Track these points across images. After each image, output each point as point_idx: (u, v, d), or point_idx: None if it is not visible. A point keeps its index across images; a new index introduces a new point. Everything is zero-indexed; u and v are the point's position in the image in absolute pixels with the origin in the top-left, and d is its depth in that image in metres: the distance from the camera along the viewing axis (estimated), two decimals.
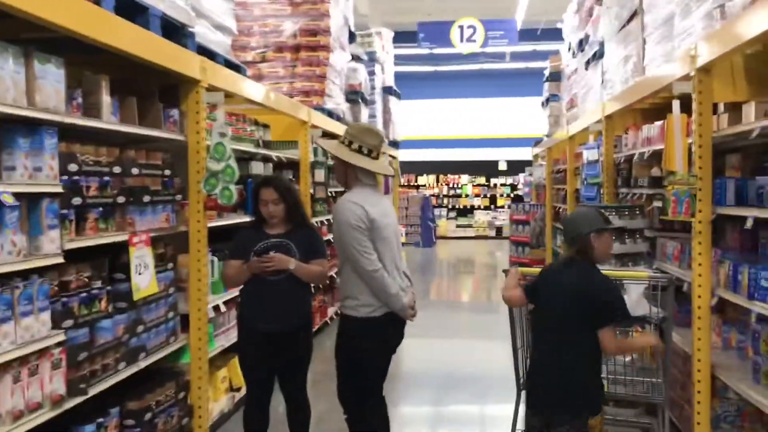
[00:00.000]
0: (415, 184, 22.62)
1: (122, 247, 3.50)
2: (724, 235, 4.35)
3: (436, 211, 21.32)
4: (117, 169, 3.44)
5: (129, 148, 3.65)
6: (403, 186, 21.49)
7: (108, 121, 3.38)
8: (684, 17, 4.47)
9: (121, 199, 3.45)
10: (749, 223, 3.37)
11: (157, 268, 3.86)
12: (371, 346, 3.51)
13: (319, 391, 4.99)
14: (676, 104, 4.04)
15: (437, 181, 22.80)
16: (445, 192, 22.64)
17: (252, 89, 5.22)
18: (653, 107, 5.94)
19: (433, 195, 21.89)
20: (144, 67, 3.67)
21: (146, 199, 3.65)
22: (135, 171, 3.61)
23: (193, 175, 4.21)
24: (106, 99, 3.37)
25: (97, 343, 3.25)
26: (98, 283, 3.32)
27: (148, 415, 3.73)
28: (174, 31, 4.02)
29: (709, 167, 3.86)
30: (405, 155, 18.13)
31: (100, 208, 3.31)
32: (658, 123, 5.15)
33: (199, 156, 4.21)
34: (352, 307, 3.51)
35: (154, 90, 3.94)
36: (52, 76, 2.89)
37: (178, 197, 4.05)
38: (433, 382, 6.30)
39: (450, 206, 22.38)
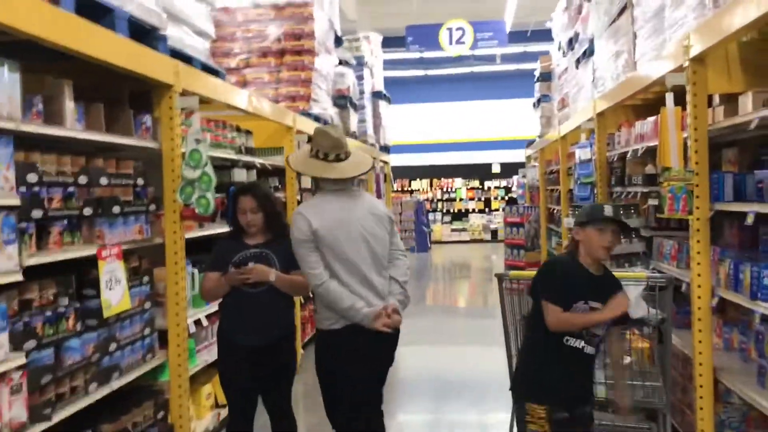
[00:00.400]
0: (409, 189, 22.45)
1: (92, 262, 3.32)
2: (723, 232, 4.19)
3: (431, 216, 21.16)
4: (83, 179, 3.27)
5: (97, 156, 3.48)
6: (397, 191, 21.33)
7: (72, 128, 3.19)
8: (675, 8, 4.32)
9: (88, 211, 3.27)
10: (750, 219, 3.21)
11: (131, 282, 3.68)
12: (339, 358, 3.32)
13: (309, 403, 4.83)
14: (669, 97, 3.88)
15: (431, 185, 22.64)
16: (438, 196, 22.48)
17: (231, 94, 5.05)
18: (646, 103, 5.80)
19: (426, 199, 21.72)
20: (113, 72, 3.49)
21: (116, 210, 3.47)
22: (104, 181, 3.43)
23: (169, 184, 4.04)
24: (69, 105, 3.19)
25: (64, 364, 3.07)
26: (65, 301, 3.14)
27: None
28: (144, 34, 3.85)
29: (706, 162, 3.71)
30: (397, 160, 17.98)
31: (65, 221, 3.13)
32: (651, 119, 5.00)
33: (174, 164, 4.03)
34: (318, 319, 3.40)
35: (124, 95, 3.77)
36: (5, 81, 2.72)
37: (152, 207, 3.87)
38: (430, 390, 6.18)
39: (444, 210, 22.23)
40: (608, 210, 3.10)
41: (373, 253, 3.35)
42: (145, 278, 3.86)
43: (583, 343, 3.07)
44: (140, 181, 3.80)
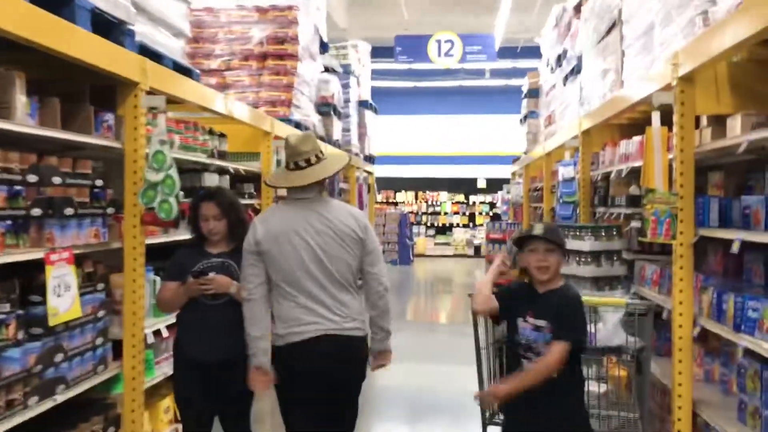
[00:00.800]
0: (394, 200, 22.30)
1: (40, 266, 3.11)
2: (706, 259, 4.05)
3: (414, 229, 21.00)
4: (32, 178, 3.06)
5: (51, 154, 3.28)
6: (381, 203, 21.16)
7: (22, 123, 3.00)
8: (665, 26, 4.20)
9: (36, 212, 3.06)
10: (736, 247, 3.06)
11: (84, 288, 3.47)
12: (282, 377, 3.17)
13: (277, 422, 4.64)
14: (656, 116, 3.74)
15: (416, 198, 22.51)
16: (423, 209, 22.34)
17: (204, 95, 4.86)
18: (632, 122, 5.68)
19: (411, 212, 21.58)
20: (73, 66, 3.30)
21: (69, 211, 3.26)
22: (56, 180, 3.22)
23: (130, 187, 3.83)
24: (20, 99, 3.00)
25: (0, 375, 2.85)
26: (6, 307, 2.93)
27: None
28: (110, 27, 3.66)
29: (692, 185, 3.57)
30: (383, 171, 17.82)
31: (9, 221, 2.92)
32: (637, 138, 4.87)
33: (136, 165, 3.83)
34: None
35: (84, 92, 3.57)
36: None
37: (110, 210, 3.66)
38: (406, 408, 6.05)
39: (428, 224, 22.07)
40: (537, 229, 2.94)
41: (326, 271, 3.11)
42: (100, 285, 3.66)
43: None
44: (99, 182, 3.59)
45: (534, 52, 12.95)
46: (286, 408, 3.23)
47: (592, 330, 3.59)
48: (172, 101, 4.38)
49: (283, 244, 3.09)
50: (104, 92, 3.80)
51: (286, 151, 3.22)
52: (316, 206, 3.18)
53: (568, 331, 2.83)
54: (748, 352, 3.08)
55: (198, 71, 4.89)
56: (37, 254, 3.05)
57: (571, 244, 5.06)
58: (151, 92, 3.95)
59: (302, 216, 3.14)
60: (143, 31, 4.13)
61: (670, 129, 3.76)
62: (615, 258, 5.03)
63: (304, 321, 3.09)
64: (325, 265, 3.10)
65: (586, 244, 4.95)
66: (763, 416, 2.99)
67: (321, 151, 3.26)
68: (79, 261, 3.42)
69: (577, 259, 5.00)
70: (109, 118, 3.74)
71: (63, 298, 3.20)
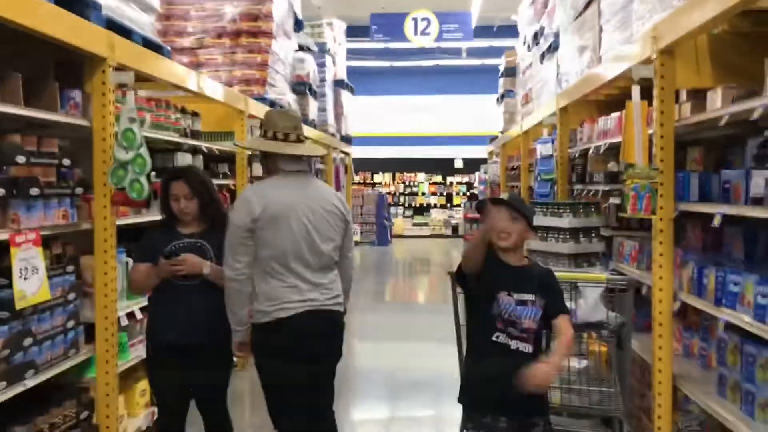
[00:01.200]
0: (371, 181, 22.21)
1: (5, 248, 3.00)
2: (686, 234, 4.04)
3: (392, 210, 20.95)
4: None
5: (14, 133, 3.15)
6: (359, 184, 21.06)
7: None
8: (642, 0, 4.14)
9: None
10: (717, 221, 3.04)
11: (53, 271, 3.37)
12: (268, 354, 3.15)
13: (256, 402, 4.61)
14: (636, 90, 3.69)
15: (393, 178, 22.43)
16: (401, 190, 22.29)
17: (175, 72, 4.73)
18: (610, 99, 5.64)
19: (388, 193, 21.52)
20: (36, 41, 3.17)
21: (35, 191, 3.14)
22: (20, 159, 3.11)
23: (99, 166, 3.71)
24: None
25: None
26: None
27: None
28: (75, 0, 3.51)
29: (672, 159, 3.53)
30: (360, 152, 17.69)
31: None
32: (615, 114, 4.84)
33: (105, 144, 3.71)
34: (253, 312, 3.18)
35: (48, 67, 3.44)
36: None
37: (79, 190, 3.54)
38: (386, 387, 6.02)
39: (406, 204, 22.04)
40: (504, 195, 2.93)
41: (317, 252, 3.12)
42: (70, 267, 3.55)
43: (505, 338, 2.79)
44: (66, 162, 3.47)
45: (511, 31, 12.89)
46: (269, 387, 3.20)
47: (573, 306, 3.56)
48: (143, 78, 4.25)
49: (281, 224, 3.06)
50: (71, 69, 3.66)
51: (286, 123, 3.19)
52: (310, 182, 3.23)
53: (563, 304, 2.87)
54: (729, 327, 3.07)
55: (169, 48, 4.75)
56: (2, 236, 2.94)
57: (550, 221, 5.04)
58: (120, 69, 3.83)
59: (300, 193, 3.14)
60: (111, 4, 3.99)
61: (650, 104, 3.72)
62: (593, 235, 5.02)
63: (292, 300, 3.07)
64: (317, 246, 3.11)
65: (565, 221, 4.93)
66: (743, 390, 2.99)
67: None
68: (47, 243, 3.32)
69: (556, 236, 4.98)
70: (76, 95, 3.62)
71: (30, 280, 3.10)
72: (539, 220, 4.95)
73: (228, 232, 3.12)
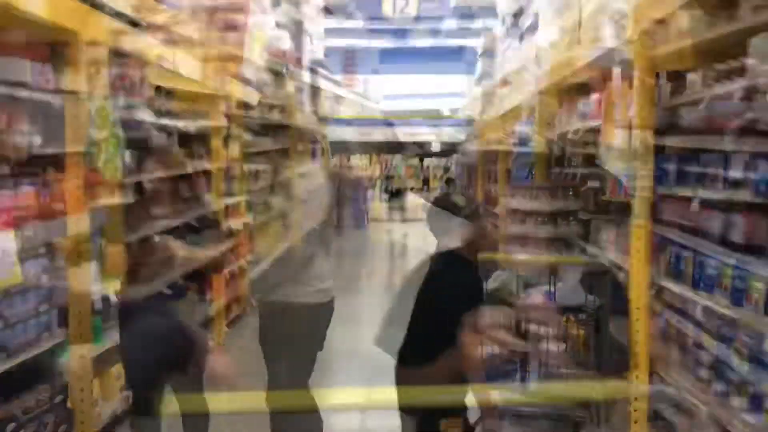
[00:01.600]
0: (348, 165, 22.10)
1: None
2: (664, 217, 4.05)
3: (369, 193, 20.91)
4: None
5: None
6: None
7: None
8: None
9: None
10: (695, 206, 3.05)
11: (26, 253, 3.29)
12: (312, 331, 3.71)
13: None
14: (616, 72, 3.69)
15: (370, 161, 22.37)
16: (377, 173, 22.25)
17: (150, 48, 4.63)
18: (590, 82, 5.62)
19: (365, 176, 21.45)
20: (5, 15, 3.06)
21: (4, 170, 3.06)
22: None
23: (71, 145, 3.62)
24: None
25: None
26: None
27: (11, 426, 3.17)
28: None
29: (651, 142, 3.53)
30: (337, 134, 17.57)
31: None
32: (594, 97, 4.83)
33: (77, 122, 3.61)
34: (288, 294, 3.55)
35: (19, 41, 3.33)
36: None
37: (51, 170, 3.45)
38: (366, 370, 5.91)
39: (383, 188, 22.02)
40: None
41: None
42: (42, 249, 3.47)
43: None
44: (37, 140, 3.38)
45: (490, 12, 12.82)
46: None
47: (552, 289, 3.57)
48: (116, 54, 4.14)
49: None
50: (42, 44, 3.55)
51: None
52: None
53: None
54: (706, 309, 3.09)
55: (144, 23, 4.63)
56: None
57: (528, 204, 5.05)
58: (93, 44, 3.72)
59: None
60: None
61: (630, 86, 3.71)
62: (571, 218, 5.04)
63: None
64: None
65: (543, 205, 4.94)
66: (719, 371, 3.02)
67: None
68: (19, 224, 3.23)
69: (534, 219, 5.00)
70: (47, 71, 3.51)
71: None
72: (518, 203, 4.96)
73: None
